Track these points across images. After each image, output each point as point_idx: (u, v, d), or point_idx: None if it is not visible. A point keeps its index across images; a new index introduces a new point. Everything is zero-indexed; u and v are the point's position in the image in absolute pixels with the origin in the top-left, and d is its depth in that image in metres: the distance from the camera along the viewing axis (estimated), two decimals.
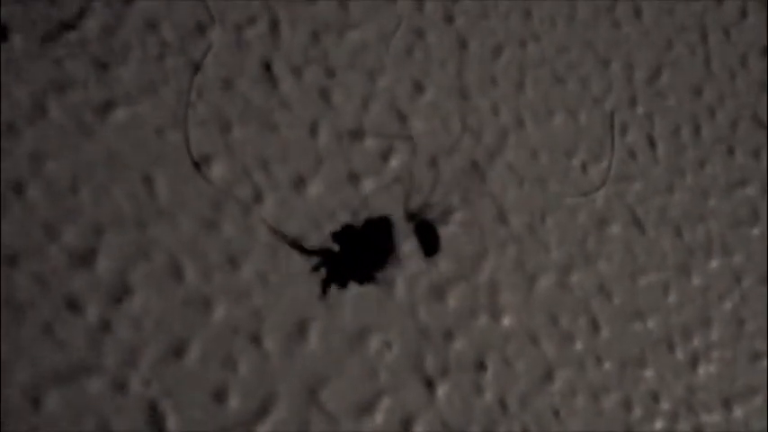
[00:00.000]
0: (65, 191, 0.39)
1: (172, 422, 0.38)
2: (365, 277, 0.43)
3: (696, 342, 0.49)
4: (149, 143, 0.41)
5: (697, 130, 0.53)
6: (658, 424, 0.47)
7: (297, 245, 0.42)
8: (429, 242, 0.44)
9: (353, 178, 0.44)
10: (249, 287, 0.41)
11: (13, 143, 0.39)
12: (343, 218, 0.44)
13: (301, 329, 0.42)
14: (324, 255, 0.42)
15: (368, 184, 0.44)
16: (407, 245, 0.44)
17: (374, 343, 0.43)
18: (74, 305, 0.38)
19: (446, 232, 0.45)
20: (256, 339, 0.41)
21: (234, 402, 0.40)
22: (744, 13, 0.56)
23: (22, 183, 0.39)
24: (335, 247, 0.43)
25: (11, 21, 0.41)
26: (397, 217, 0.45)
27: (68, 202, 0.39)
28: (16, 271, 0.38)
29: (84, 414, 0.37)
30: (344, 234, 0.43)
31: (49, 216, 0.39)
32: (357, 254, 0.43)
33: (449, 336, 0.44)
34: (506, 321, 0.46)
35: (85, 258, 0.39)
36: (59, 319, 0.38)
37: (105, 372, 0.38)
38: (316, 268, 0.42)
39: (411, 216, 0.44)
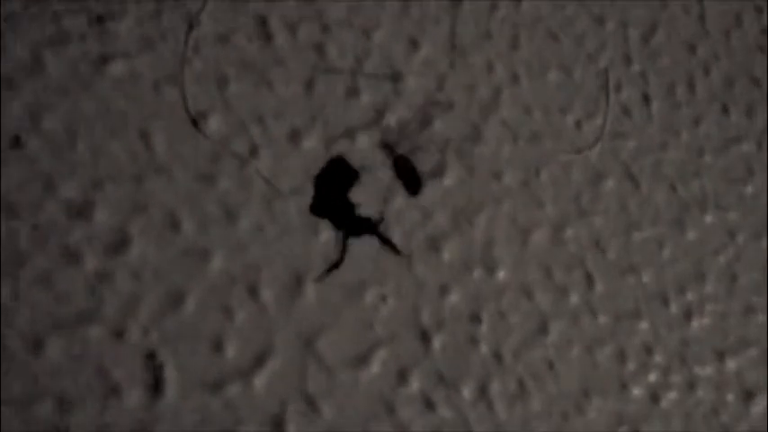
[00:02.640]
0: (63, 144, 0.40)
1: (170, 370, 0.39)
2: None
3: (690, 296, 0.50)
4: (146, 98, 0.42)
5: (692, 87, 0.53)
6: (652, 376, 0.48)
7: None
8: (410, 179, 0.45)
9: (348, 133, 0.45)
10: (246, 239, 0.42)
11: (11, 97, 0.40)
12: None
13: (298, 281, 0.42)
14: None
15: (362, 139, 0.45)
16: (399, 199, 0.45)
17: (370, 296, 0.43)
18: (72, 256, 0.39)
19: (441, 187, 0.46)
20: (253, 290, 0.41)
21: (231, 352, 0.40)
22: None
23: (20, 136, 0.39)
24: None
25: None
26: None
27: (66, 156, 0.40)
28: (16, 222, 0.38)
29: (84, 361, 0.38)
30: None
31: (48, 169, 0.39)
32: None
33: (444, 289, 0.45)
34: (501, 275, 0.46)
35: (84, 211, 0.39)
36: (58, 269, 0.38)
37: (104, 320, 0.39)
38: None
39: (386, 146, 0.44)
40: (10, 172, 0.39)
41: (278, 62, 0.44)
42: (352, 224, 0.43)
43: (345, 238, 0.43)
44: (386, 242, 0.43)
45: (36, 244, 0.38)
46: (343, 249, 0.43)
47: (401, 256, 0.43)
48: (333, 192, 0.43)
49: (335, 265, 0.42)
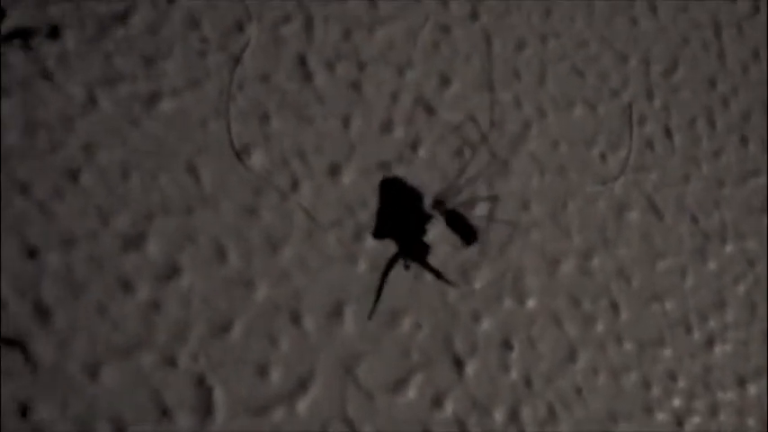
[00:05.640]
0: (116, 178, 0.42)
1: (218, 394, 0.41)
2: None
3: (712, 323, 0.51)
4: (194, 133, 0.44)
5: (711, 121, 0.55)
6: (676, 401, 0.49)
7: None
8: (465, 231, 0.46)
9: (384, 166, 0.47)
10: (288, 269, 0.43)
11: (67, 134, 0.42)
12: (375, 204, 0.46)
13: (338, 310, 0.44)
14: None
15: (398, 172, 0.47)
16: (434, 231, 0.47)
17: (406, 324, 0.45)
18: (126, 285, 0.41)
19: (472, 219, 0.48)
20: (296, 318, 0.43)
21: (275, 377, 0.42)
22: (756, 9, 0.58)
23: (76, 171, 0.41)
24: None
25: (63, 19, 0.43)
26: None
27: (120, 189, 0.42)
28: (73, 254, 0.40)
29: (138, 386, 0.40)
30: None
31: (102, 202, 0.41)
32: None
33: (476, 317, 0.46)
34: (531, 304, 0.48)
35: (136, 242, 0.41)
36: (113, 298, 0.40)
37: (156, 347, 0.40)
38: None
39: (437, 203, 0.46)
40: (67, 205, 0.41)
41: (317, 99, 0.46)
42: (411, 246, 0.45)
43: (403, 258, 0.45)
44: (433, 271, 0.45)
45: (92, 274, 0.40)
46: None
47: (449, 283, 0.45)
48: (396, 212, 0.46)
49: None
